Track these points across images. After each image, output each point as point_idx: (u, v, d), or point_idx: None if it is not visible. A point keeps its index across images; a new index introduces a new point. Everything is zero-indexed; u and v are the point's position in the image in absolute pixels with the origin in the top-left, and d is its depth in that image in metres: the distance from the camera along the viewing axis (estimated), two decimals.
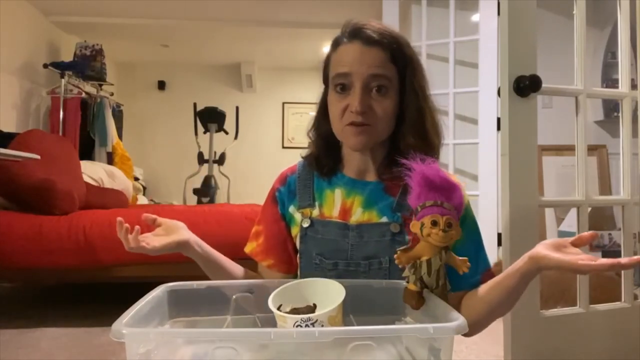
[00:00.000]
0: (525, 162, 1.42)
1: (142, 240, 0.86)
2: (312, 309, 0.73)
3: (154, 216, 0.97)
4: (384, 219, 0.92)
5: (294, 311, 0.71)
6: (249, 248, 1.05)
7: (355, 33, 0.92)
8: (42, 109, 4.28)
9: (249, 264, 1.05)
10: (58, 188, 2.47)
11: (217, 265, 0.98)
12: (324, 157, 1.00)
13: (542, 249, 0.73)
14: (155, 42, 5.30)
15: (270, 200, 1.04)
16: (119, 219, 0.86)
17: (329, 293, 0.74)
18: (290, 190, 1.01)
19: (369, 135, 0.91)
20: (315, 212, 0.97)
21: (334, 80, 0.93)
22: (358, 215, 0.94)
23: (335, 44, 0.95)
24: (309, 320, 0.66)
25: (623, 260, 0.65)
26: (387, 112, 0.91)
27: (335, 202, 0.96)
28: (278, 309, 0.71)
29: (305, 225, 0.96)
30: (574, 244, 0.73)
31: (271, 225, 1.02)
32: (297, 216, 0.99)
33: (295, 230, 0.99)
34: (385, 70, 0.90)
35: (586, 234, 0.73)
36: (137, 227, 0.86)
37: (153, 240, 0.89)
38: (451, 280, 0.77)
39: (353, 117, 0.89)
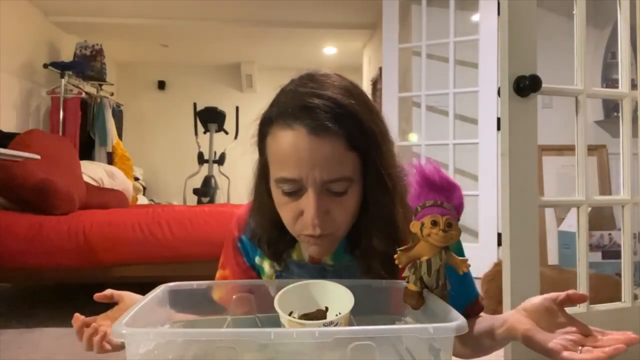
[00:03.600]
0: (525, 162, 1.42)
1: (107, 343, 0.70)
2: (323, 313, 0.72)
3: (108, 292, 0.80)
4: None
5: (305, 317, 0.70)
6: (217, 295, 0.84)
7: (298, 114, 0.69)
8: (42, 109, 4.28)
9: None
10: (58, 188, 2.47)
11: None
12: (277, 241, 0.83)
13: (524, 321, 0.65)
14: (155, 42, 5.30)
15: (232, 249, 0.92)
16: (77, 315, 0.72)
17: (330, 294, 0.73)
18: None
19: (328, 244, 0.77)
20: (286, 255, 0.86)
21: (277, 182, 0.73)
22: (329, 263, 0.85)
23: (270, 122, 0.73)
24: (331, 324, 0.64)
25: (603, 354, 0.57)
26: (349, 213, 0.75)
27: (302, 252, 0.86)
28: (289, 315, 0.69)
29: (280, 268, 0.86)
30: (562, 304, 0.65)
31: (240, 276, 0.91)
32: (266, 267, 0.89)
33: None
34: (344, 167, 0.71)
35: (577, 295, 0.65)
36: (103, 331, 0.70)
37: None
38: None
39: (310, 230, 0.73)
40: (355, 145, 0.71)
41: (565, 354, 0.58)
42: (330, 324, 0.64)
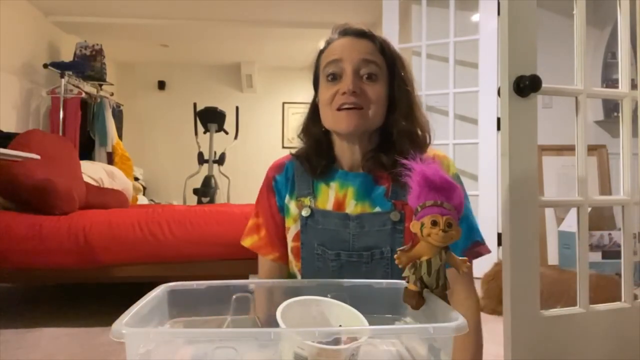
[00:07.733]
0: (525, 162, 1.42)
1: None
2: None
3: None
4: (377, 209, 0.92)
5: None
6: (248, 242, 1.02)
7: (345, 31, 0.97)
8: (42, 109, 4.28)
9: (247, 262, 1.05)
10: (58, 188, 2.47)
11: None
12: (315, 156, 0.99)
13: None
14: (155, 42, 5.30)
15: (266, 191, 1.02)
16: None
17: (337, 312, 0.72)
18: (287, 178, 1.00)
19: (360, 118, 0.90)
20: (312, 203, 0.96)
21: (325, 70, 0.94)
22: (352, 207, 0.94)
23: (327, 43, 0.99)
24: (359, 345, 0.62)
25: None
26: (379, 96, 0.92)
27: (329, 196, 0.96)
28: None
29: (305, 214, 0.94)
30: None
31: (272, 219, 1.01)
32: (292, 207, 0.98)
33: (289, 222, 0.99)
34: (375, 58, 0.93)
35: None
36: None
37: None
38: None
39: (344, 99, 0.90)
40: (384, 52, 0.94)
41: None
42: (359, 346, 0.60)
